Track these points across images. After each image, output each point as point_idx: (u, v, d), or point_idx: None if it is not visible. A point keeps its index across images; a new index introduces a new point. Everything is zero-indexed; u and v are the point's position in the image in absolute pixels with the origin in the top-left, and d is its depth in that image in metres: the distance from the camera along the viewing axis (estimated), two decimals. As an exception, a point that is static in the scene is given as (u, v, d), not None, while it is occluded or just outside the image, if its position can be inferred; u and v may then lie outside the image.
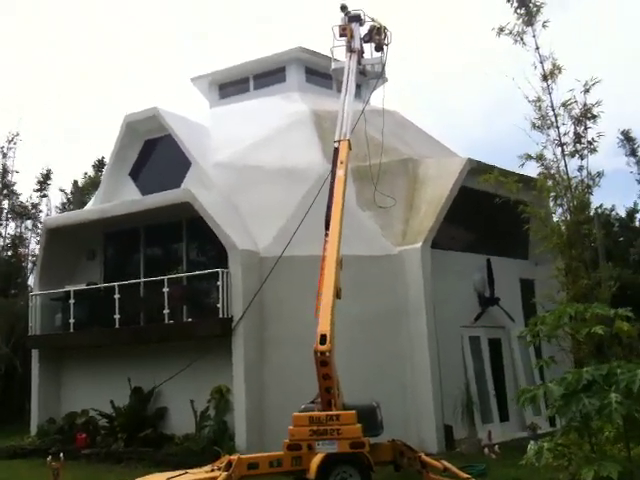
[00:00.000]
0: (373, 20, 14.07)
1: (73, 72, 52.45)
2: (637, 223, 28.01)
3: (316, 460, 9.21)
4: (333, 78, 16.19)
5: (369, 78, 14.76)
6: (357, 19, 13.87)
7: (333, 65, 14.23)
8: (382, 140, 15.04)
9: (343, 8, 13.93)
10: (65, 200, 30.76)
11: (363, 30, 14.20)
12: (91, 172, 32.31)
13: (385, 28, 14.00)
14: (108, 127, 47.48)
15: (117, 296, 15.69)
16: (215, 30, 55.05)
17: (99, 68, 53.06)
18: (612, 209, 28.10)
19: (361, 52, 13.79)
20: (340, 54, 14.25)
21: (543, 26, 13.03)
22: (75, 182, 30.04)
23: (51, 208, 29.18)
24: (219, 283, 14.15)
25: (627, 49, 44.88)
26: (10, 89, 46.79)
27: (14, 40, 52.19)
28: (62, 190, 30.84)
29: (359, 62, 13.62)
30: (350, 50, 13.62)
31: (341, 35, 13.83)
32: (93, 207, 17.78)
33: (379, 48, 14.03)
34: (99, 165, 31.99)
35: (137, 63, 55.50)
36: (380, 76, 14.40)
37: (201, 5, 49.86)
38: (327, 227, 10.96)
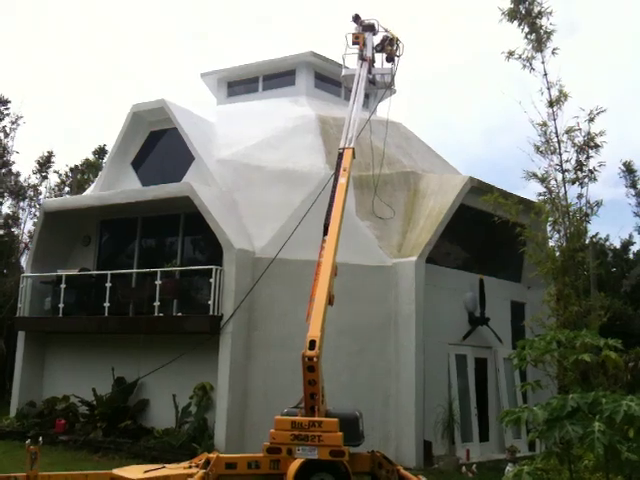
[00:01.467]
0: (387, 31, 14.15)
1: (75, 68, 52.59)
2: (631, 255, 28.13)
3: (294, 465, 9.19)
4: (342, 85, 16.24)
5: (378, 88, 14.81)
6: (371, 29, 13.95)
7: (344, 72, 14.28)
8: (383, 151, 15.08)
9: (356, 18, 14.01)
10: (60, 182, 30.68)
11: (376, 40, 14.27)
12: (92, 158, 32.28)
13: (398, 40, 14.07)
14: (110, 117, 47.55)
15: (109, 284, 15.66)
16: (215, 30, 55.24)
17: (101, 65, 53.30)
18: (607, 239, 28.23)
19: (372, 61, 13.85)
20: (351, 62, 14.32)
21: (553, 53, 13.12)
22: (75, 167, 29.97)
23: (51, 191, 29.15)
24: (212, 280, 14.14)
25: (633, 79, 45.20)
26: (16, 75, 46.90)
27: (22, 32, 52.33)
28: (57, 172, 30.78)
29: (369, 71, 13.68)
30: (362, 58, 13.67)
31: (354, 43, 13.89)
32: (92, 193, 17.76)
33: (390, 59, 14.10)
34: (100, 152, 31.96)
35: (137, 63, 55.75)
36: (389, 87, 14.45)
37: (201, 5, 50.03)
38: (325, 233, 10.96)
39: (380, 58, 14.36)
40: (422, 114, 46.84)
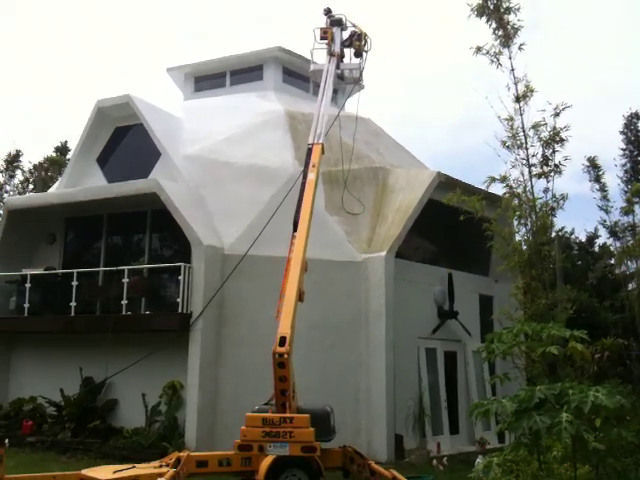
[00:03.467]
0: (354, 26, 14.15)
1: (75, 68, 51.87)
2: (596, 248, 28.58)
3: (266, 462, 9.16)
4: (310, 80, 16.22)
5: (346, 83, 14.81)
6: (339, 23, 13.93)
7: (312, 67, 14.25)
8: (353, 146, 15.08)
9: (328, 11, 13.99)
10: (24, 179, 30.17)
11: (345, 35, 14.26)
12: (55, 155, 31.73)
13: (366, 35, 14.08)
14: (81, 109, 46.87)
15: (75, 283, 15.44)
16: (215, 30, 54.87)
17: (101, 65, 52.63)
18: (572, 232, 28.63)
19: (341, 57, 13.84)
20: (320, 57, 14.29)
21: (519, 49, 13.25)
22: (40, 164, 29.46)
23: (15, 188, 28.66)
24: (180, 277, 14.02)
25: (598, 75, 46.02)
26: (16, 75, 46.11)
27: (22, 32, 51.44)
28: (21, 169, 30.27)
29: (338, 66, 13.67)
30: (330, 54, 13.66)
31: (322, 38, 13.86)
32: (57, 191, 17.47)
33: (358, 54, 14.10)
34: (62, 149, 31.45)
35: (137, 63, 55.07)
36: (357, 82, 14.46)
37: (201, 5, 49.65)
38: (295, 229, 10.93)
39: (349, 53, 14.39)
40: (386, 108, 47.07)
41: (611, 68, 46.54)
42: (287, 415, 9.21)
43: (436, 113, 51.16)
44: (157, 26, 54.34)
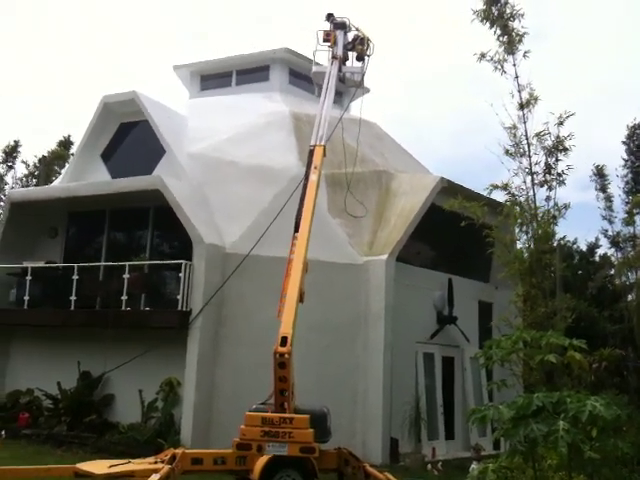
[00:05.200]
0: (357, 30, 14.19)
1: (75, 68, 51.95)
2: (597, 258, 28.59)
3: (261, 462, 9.15)
4: (313, 81, 16.17)
5: (348, 86, 14.86)
6: (342, 27, 13.97)
7: (314, 69, 14.30)
8: (357, 149, 15.11)
9: (329, 16, 14.04)
10: (27, 173, 30.20)
11: (347, 38, 14.30)
12: (58, 149, 31.74)
13: (368, 39, 14.12)
14: (81, 109, 47.00)
15: (75, 277, 15.46)
16: (215, 30, 54.96)
17: (101, 65, 52.73)
18: (574, 242, 28.64)
19: (343, 60, 13.89)
20: (323, 59, 14.33)
21: (524, 56, 13.26)
22: (43, 157, 29.48)
23: (17, 181, 28.68)
24: (181, 275, 14.04)
25: (604, 83, 46.04)
26: (16, 75, 46.15)
27: (22, 32, 51.52)
28: (25, 162, 30.29)
29: (340, 69, 13.72)
30: (333, 56, 13.71)
31: (324, 40, 13.92)
32: (60, 185, 17.50)
33: (360, 58, 14.14)
34: (66, 143, 31.46)
35: (137, 63, 55.17)
36: (359, 86, 14.51)
37: (201, 5, 49.72)
38: (296, 229, 10.97)
39: (352, 57, 14.42)
40: (388, 111, 47.17)
41: (611, 68, 46.60)
42: (287, 415, 9.22)
43: (436, 114, 51.20)
44: (157, 26, 54.56)
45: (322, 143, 12.05)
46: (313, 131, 12.41)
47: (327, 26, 13.98)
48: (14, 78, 49.18)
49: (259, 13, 50.03)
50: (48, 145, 38.36)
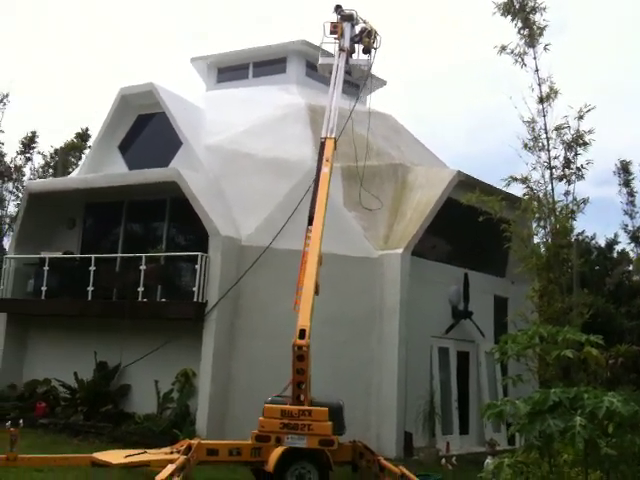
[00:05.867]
0: (365, 22, 14.14)
1: (75, 68, 52.12)
2: (615, 254, 28.36)
3: (276, 453, 9.21)
4: (319, 73, 16.03)
5: (355, 78, 14.81)
6: (349, 19, 13.92)
7: (320, 60, 14.31)
8: (367, 142, 15.01)
9: (337, 8, 14.00)
10: (44, 163, 30.41)
11: (355, 31, 14.24)
12: (75, 141, 31.93)
13: (376, 32, 14.06)
14: (97, 101, 47.15)
15: (92, 268, 15.56)
16: (215, 30, 54.99)
17: (101, 65, 52.88)
18: (593, 237, 28.42)
19: (350, 52, 13.86)
20: (331, 51, 14.25)
21: (545, 49, 13.16)
22: (61, 148, 29.68)
23: (34, 172, 28.90)
24: (197, 267, 14.09)
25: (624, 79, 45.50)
26: (16, 75, 46.37)
27: (22, 32, 51.76)
28: (41, 153, 30.49)
29: (347, 62, 13.69)
30: (340, 48, 13.69)
31: (331, 32, 13.89)
32: (78, 176, 17.61)
33: (367, 51, 14.10)
34: (83, 135, 31.65)
35: (137, 63, 55.33)
36: (366, 78, 14.48)
37: (201, 5, 49.73)
38: (310, 222, 11.01)
39: (358, 49, 14.36)
40: (417, 110, 47.04)
41: (611, 68, 46.06)
42: (306, 408, 9.27)
43: (448, 112, 50.93)
44: (157, 26, 54.64)
45: (333, 135, 12.09)
46: (323, 123, 12.45)
47: (335, 18, 13.97)
48: (14, 78, 49.53)
49: (259, 13, 50.07)
50: (63, 138, 38.63)
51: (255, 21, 52.10)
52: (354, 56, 13.97)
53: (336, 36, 13.75)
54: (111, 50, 54.09)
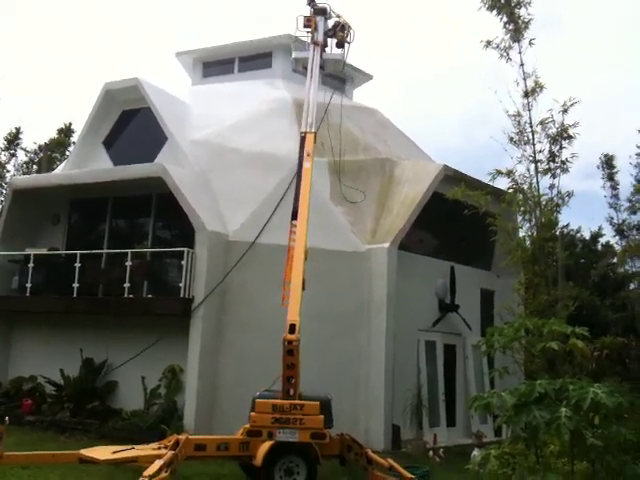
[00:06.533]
0: (339, 16, 14.15)
1: (75, 68, 51.79)
2: (600, 247, 28.60)
3: (264, 448, 9.23)
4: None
5: (326, 72, 14.81)
6: (322, 12, 13.93)
7: (294, 54, 14.32)
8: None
9: (311, 1, 14.02)
10: (28, 160, 30.19)
11: (328, 25, 14.25)
12: (58, 137, 31.68)
13: (349, 26, 14.08)
14: (81, 96, 46.90)
15: (78, 264, 15.46)
16: (215, 30, 54.80)
17: (101, 65, 52.57)
18: (578, 230, 28.66)
19: (324, 46, 13.89)
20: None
21: (530, 44, 13.23)
22: (45, 144, 29.45)
23: (19, 168, 28.67)
24: (183, 262, 14.04)
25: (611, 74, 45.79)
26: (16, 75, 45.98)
27: (22, 32, 51.30)
28: (24, 149, 30.25)
29: (320, 56, 13.71)
30: (313, 42, 13.71)
31: (305, 26, 13.90)
32: (62, 172, 17.48)
33: (340, 45, 14.12)
34: (66, 130, 31.41)
35: (137, 63, 55.06)
36: (339, 72, 14.50)
37: (201, 5, 49.54)
38: (294, 217, 11.04)
39: (331, 43, 14.37)
40: (393, 100, 47.02)
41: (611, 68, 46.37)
42: (297, 402, 9.30)
43: (441, 111, 51.12)
44: (157, 26, 54.43)
45: (313, 130, 12.13)
46: (302, 118, 12.47)
47: (308, 11, 13.96)
48: (14, 78, 49.15)
49: (259, 13, 49.96)
50: (48, 135, 38.37)
51: (255, 21, 52.08)
52: (327, 50, 13.99)
53: (310, 30, 13.76)
54: (111, 49, 54.06)
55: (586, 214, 46.05)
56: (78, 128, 31.66)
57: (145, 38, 55.75)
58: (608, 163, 27.55)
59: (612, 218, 27.28)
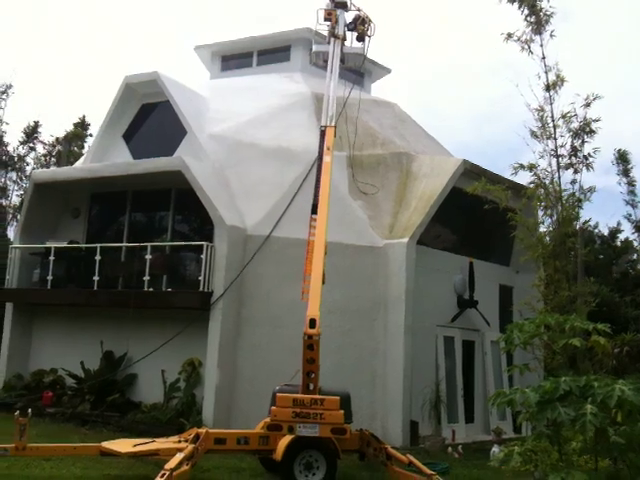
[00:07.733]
0: (359, 10, 14.08)
1: (75, 68, 51.98)
2: (618, 243, 28.34)
3: (284, 442, 9.25)
4: (311, 60, 15.88)
5: (346, 66, 14.77)
6: (343, 6, 13.88)
7: (314, 47, 14.27)
8: (356, 131, 14.93)
9: None
10: (46, 152, 30.40)
11: (348, 18, 14.20)
12: (74, 130, 31.87)
13: (370, 19, 14.01)
14: (98, 90, 47.20)
15: (98, 257, 15.56)
16: (215, 30, 54.86)
17: (101, 65, 52.82)
18: (596, 226, 28.42)
19: (344, 39, 13.84)
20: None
21: (551, 36, 13.11)
22: (64, 137, 29.65)
23: (38, 161, 28.89)
24: (203, 256, 14.08)
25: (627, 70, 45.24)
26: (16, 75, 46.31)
27: (22, 32, 51.60)
28: (42, 142, 30.46)
29: (341, 49, 13.67)
30: (334, 35, 13.66)
31: (325, 19, 13.86)
32: (83, 165, 17.57)
33: (361, 38, 14.06)
34: (82, 124, 31.59)
35: (137, 63, 55.28)
36: (360, 66, 14.44)
37: (201, 5, 49.58)
38: (314, 211, 11.02)
39: (351, 37, 14.31)
40: (409, 95, 46.90)
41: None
42: (318, 397, 9.31)
43: (455, 103, 50.85)
44: (157, 26, 54.52)
45: (332, 124, 12.10)
46: (322, 112, 12.44)
47: (326, 3, 13.92)
48: (13, 78, 49.39)
49: (259, 13, 49.93)
50: (62, 128, 38.63)
51: (255, 21, 52.17)
52: (347, 44, 13.94)
53: (330, 23, 13.72)
54: (112, 47, 54.29)
55: (605, 210, 45.72)
56: (93, 121, 31.97)
57: (144, 37, 56.13)
58: (622, 158, 27.22)
59: (630, 215, 27.03)
